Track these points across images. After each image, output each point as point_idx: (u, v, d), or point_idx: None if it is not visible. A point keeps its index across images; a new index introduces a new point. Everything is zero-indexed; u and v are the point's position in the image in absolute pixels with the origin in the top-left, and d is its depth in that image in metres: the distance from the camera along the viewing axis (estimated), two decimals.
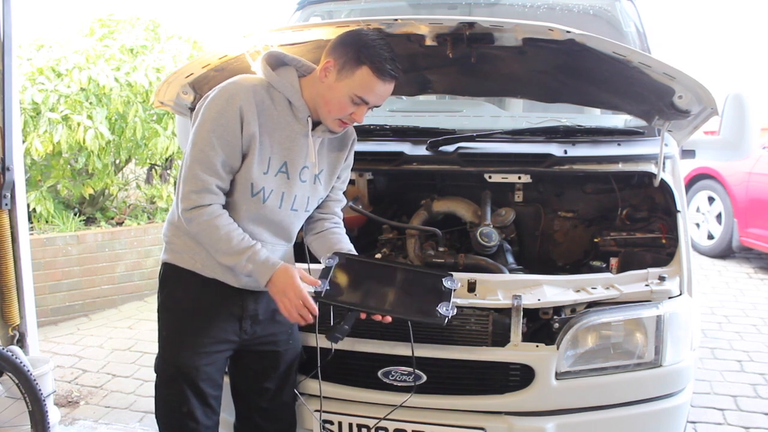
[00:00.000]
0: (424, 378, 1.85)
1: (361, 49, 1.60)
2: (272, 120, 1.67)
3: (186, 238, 1.74)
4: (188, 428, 1.78)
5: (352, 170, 1.99)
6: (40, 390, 2.28)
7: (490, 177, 2.29)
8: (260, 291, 1.81)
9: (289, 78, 1.70)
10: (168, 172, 5.61)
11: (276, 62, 1.73)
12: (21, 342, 2.74)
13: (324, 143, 1.81)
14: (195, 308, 1.76)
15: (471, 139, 2.32)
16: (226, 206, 1.69)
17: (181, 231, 1.75)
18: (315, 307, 1.64)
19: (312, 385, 1.97)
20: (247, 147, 1.64)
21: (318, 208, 1.91)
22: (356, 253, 1.84)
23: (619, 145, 2.27)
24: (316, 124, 1.74)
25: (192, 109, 2.17)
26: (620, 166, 2.17)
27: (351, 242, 1.90)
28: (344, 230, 1.96)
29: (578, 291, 1.88)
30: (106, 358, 3.73)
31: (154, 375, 1.83)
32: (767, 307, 4.56)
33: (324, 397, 1.91)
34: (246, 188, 1.68)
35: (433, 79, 2.33)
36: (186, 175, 1.63)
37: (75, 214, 4.95)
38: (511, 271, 2.11)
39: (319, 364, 1.81)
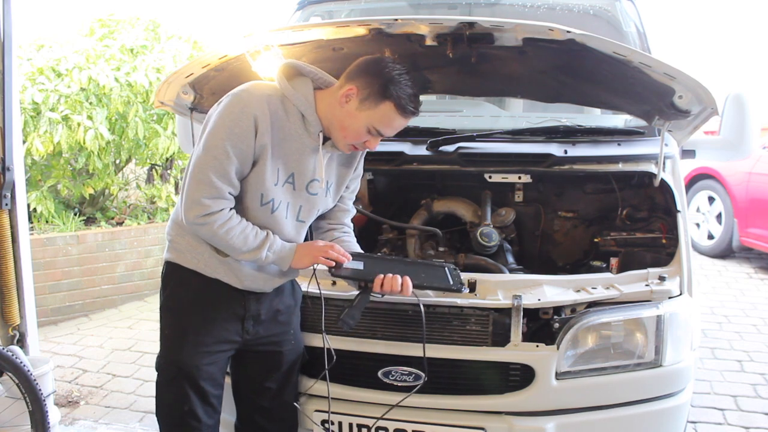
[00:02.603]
0: (424, 377, 1.85)
1: (387, 83, 1.61)
2: (283, 131, 1.67)
3: (189, 237, 1.74)
4: (190, 427, 1.78)
5: None
6: (40, 390, 2.28)
7: (490, 177, 2.29)
8: (263, 292, 1.81)
9: (304, 91, 1.69)
10: (168, 172, 5.61)
11: (293, 73, 1.72)
12: (21, 342, 2.74)
13: (333, 155, 1.81)
14: (197, 308, 1.76)
15: (471, 139, 2.32)
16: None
17: (184, 230, 1.75)
18: (340, 249, 1.72)
19: (313, 386, 1.97)
20: (257, 156, 1.64)
21: (327, 218, 1.92)
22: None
23: (619, 145, 2.27)
24: (327, 138, 1.74)
25: (192, 109, 2.17)
26: (620, 166, 2.17)
27: None
28: (354, 237, 1.96)
29: (578, 291, 1.88)
30: (106, 358, 3.73)
31: (155, 375, 1.83)
32: (767, 307, 4.56)
33: (324, 397, 1.91)
34: (256, 197, 1.68)
35: (433, 79, 2.33)
36: (199, 181, 1.60)
37: (75, 214, 4.95)
38: (511, 271, 2.11)
39: (326, 367, 1.82)
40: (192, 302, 1.76)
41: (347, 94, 1.64)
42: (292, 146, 1.69)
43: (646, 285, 1.87)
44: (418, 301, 1.77)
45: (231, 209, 1.65)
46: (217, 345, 1.78)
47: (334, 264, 1.71)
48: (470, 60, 2.02)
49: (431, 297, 1.86)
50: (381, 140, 1.73)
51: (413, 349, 1.83)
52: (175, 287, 1.79)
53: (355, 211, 2.01)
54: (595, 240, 2.26)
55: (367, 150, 1.83)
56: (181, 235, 1.76)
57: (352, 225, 1.99)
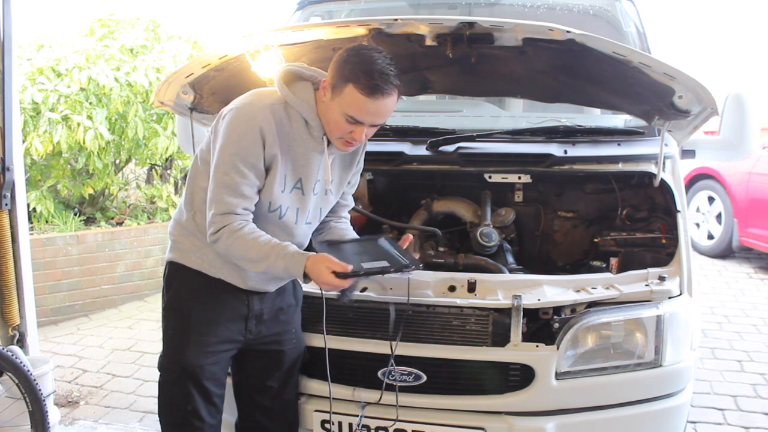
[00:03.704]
0: (424, 378, 1.85)
1: (349, 66, 1.57)
2: (288, 137, 1.67)
3: (193, 237, 1.75)
4: (193, 427, 1.78)
5: None
6: (40, 390, 2.28)
7: (490, 177, 2.29)
8: (265, 292, 1.81)
9: (304, 95, 1.68)
10: (168, 172, 5.61)
11: (292, 78, 1.71)
12: (21, 342, 2.74)
13: (337, 155, 1.81)
14: (201, 308, 1.76)
15: (471, 139, 2.32)
16: None
17: (188, 231, 1.76)
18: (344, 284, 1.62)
19: (313, 385, 1.97)
20: (269, 165, 1.65)
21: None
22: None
23: (619, 145, 2.27)
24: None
25: (192, 109, 2.17)
26: (620, 166, 2.17)
27: None
28: (350, 225, 1.97)
29: (578, 291, 1.88)
30: (106, 358, 3.73)
31: (155, 375, 1.83)
32: (767, 307, 4.56)
33: (324, 397, 1.91)
34: (263, 204, 1.69)
35: (433, 79, 2.33)
36: (212, 199, 1.62)
37: (75, 214, 4.95)
38: (511, 271, 2.11)
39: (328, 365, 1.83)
40: (196, 302, 1.76)
41: (323, 87, 1.64)
42: (298, 151, 1.70)
43: (646, 285, 1.87)
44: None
45: (241, 221, 1.64)
46: (220, 345, 1.78)
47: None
48: (470, 60, 2.02)
49: (431, 297, 1.86)
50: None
51: (413, 349, 1.83)
52: (179, 287, 1.79)
53: (353, 203, 2.01)
54: (595, 240, 2.26)
55: (367, 149, 1.82)
56: (184, 236, 1.77)
57: (348, 217, 2.00)
